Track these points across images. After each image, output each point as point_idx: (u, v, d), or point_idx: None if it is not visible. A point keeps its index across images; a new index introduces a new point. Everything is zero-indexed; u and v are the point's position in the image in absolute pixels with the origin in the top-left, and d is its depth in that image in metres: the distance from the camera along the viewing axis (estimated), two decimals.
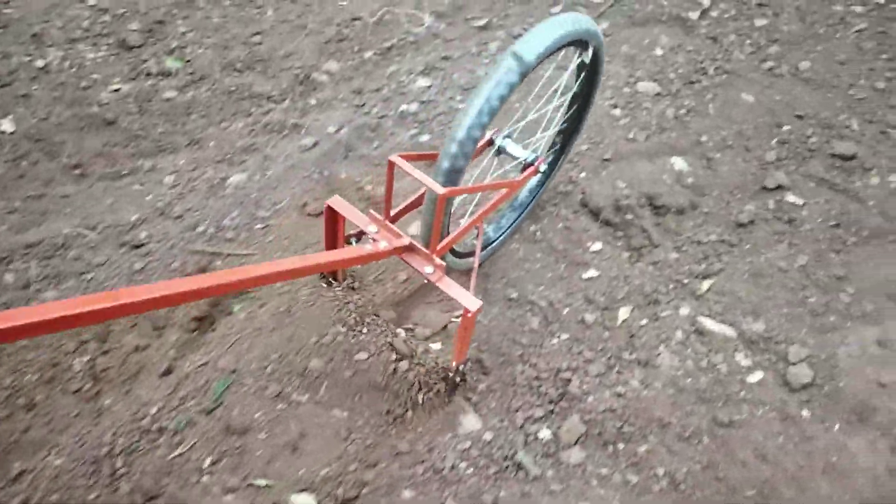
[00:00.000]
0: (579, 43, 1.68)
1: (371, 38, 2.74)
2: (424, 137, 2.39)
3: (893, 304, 2.09)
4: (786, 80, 2.82)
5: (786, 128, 2.61)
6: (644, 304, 2.03)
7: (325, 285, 1.84)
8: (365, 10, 2.83)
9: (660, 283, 2.09)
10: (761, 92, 2.74)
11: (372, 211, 1.56)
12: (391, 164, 1.47)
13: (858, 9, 3.23)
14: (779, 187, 2.40)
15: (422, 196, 1.65)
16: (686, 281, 2.10)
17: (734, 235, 2.26)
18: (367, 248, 1.49)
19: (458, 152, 1.47)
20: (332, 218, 1.58)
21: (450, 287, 1.56)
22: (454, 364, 1.69)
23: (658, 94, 2.70)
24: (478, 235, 1.78)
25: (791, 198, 2.37)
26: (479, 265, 1.93)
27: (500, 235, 2.09)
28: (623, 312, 2.01)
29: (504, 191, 1.75)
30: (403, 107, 2.47)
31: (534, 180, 2.13)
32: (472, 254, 1.80)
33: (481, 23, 2.86)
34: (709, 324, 1.99)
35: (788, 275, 2.16)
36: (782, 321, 2.02)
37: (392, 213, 1.60)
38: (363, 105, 2.47)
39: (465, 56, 2.71)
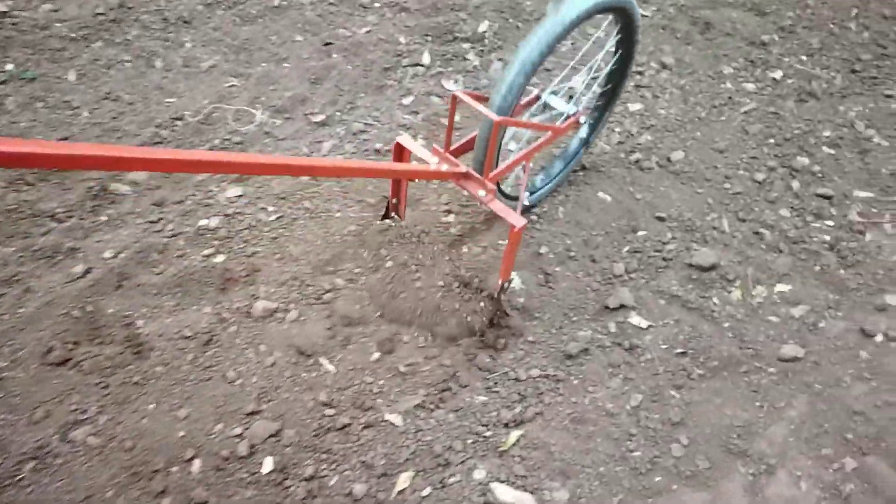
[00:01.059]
0: (615, 10, 1.95)
1: (192, 139, 2.52)
2: (219, 258, 2.14)
3: (732, 459, 1.79)
4: (653, 174, 2.57)
5: (641, 233, 2.35)
6: (431, 468, 1.73)
7: (389, 221, 2.12)
8: (191, 107, 2.63)
9: (457, 437, 1.80)
10: (621, 190, 2.49)
11: (434, 145, 1.87)
12: (454, 98, 1.78)
13: (750, 86, 3.01)
14: (622, 307, 2.12)
15: (475, 137, 1.90)
16: (489, 433, 1.81)
17: (561, 369, 1.98)
18: (431, 165, 1.83)
19: (507, 93, 1.77)
20: (399, 152, 1.89)
21: (499, 207, 1.84)
22: (500, 281, 1.90)
23: None
24: (524, 171, 1.99)
25: (635, 319, 2.10)
26: (529, 208, 2.33)
27: (548, 184, 2.38)
28: (403, 480, 1.71)
29: (548, 134, 2.03)
30: (203, 221, 2.23)
31: (578, 136, 2.43)
32: (521, 198, 2.01)
33: (321, 118, 2.65)
34: (502, 492, 1.69)
35: (616, 419, 1.87)
36: (595, 485, 1.72)
37: (452, 147, 1.90)
38: (159, 221, 2.24)
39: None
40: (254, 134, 2.57)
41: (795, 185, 2.56)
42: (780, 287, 2.22)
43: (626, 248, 2.30)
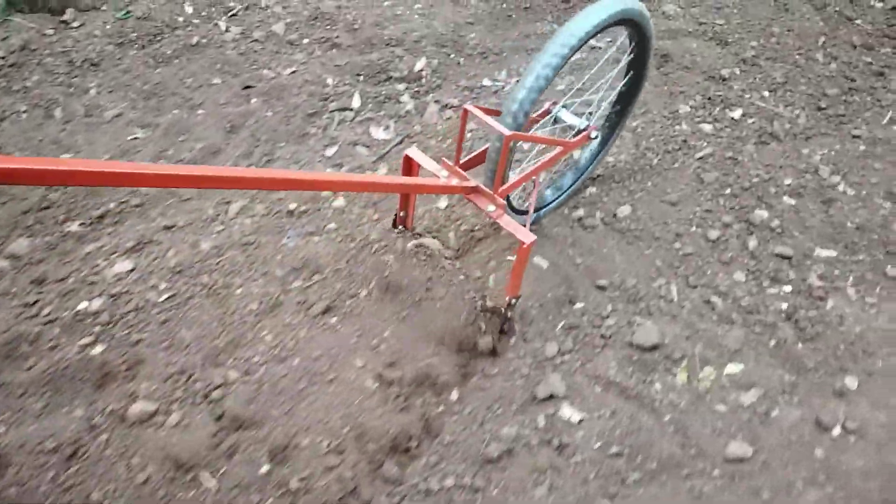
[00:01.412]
0: (627, 22, 1.94)
1: (85, 201, 2.29)
2: (98, 349, 1.90)
3: None
4: (596, 232, 2.36)
5: (579, 305, 2.13)
6: None
7: (395, 231, 2.12)
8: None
9: None
10: (561, 253, 2.27)
11: (444, 158, 1.87)
12: (465, 112, 1.81)
13: (707, 127, 2.79)
14: (552, 397, 1.90)
15: (485, 150, 1.91)
16: None
17: (480, 476, 1.75)
18: (441, 179, 1.83)
19: (519, 107, 1.77)
20: (409, 166, 1.90)
21: (508, 223, 1.84)
22: (507, 298, 1.91)
23: None
24: (534, 187, 2.00)
25: (566, 412, 1.88)
26: (539, 220, 2.32)
27: (559, 196, 2.39)
28: None
29: (559, 149, 2.02)
30: (84, 304, 2.00)
31: (591, 148, 2.43)
32: (530, 213, 2.00)
33: None
34: None
35: None
36: None
37: (462, 160, 1.90)
38: (35, 303, 2.00)
39: (196, 223, 2.25)
40: (155, 195, 2.33)
41: (752, 243, 2.35)
42: (730, 368, 2.00)
43: (562, 324, 2.08)
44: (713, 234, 2.37)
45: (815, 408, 1.90)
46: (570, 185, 2.42)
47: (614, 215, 2.42)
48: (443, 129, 2.65)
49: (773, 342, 2.07)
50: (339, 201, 2.33)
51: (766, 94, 2.95)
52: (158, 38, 2.90)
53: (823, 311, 2.15)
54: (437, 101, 2.76)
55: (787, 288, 2.22)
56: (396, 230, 2.13)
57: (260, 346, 1.93)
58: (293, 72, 2.82)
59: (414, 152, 1.89)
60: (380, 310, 1.99)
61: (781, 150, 2.70)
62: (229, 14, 3.17)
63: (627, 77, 2.25)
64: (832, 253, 2.33)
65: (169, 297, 2.04)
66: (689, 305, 2.16)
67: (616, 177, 2.56)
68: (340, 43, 2.98)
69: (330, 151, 2.55)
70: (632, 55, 2.15)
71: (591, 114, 2.15)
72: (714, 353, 2.03)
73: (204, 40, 2.93)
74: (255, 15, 3.21)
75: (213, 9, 3.21)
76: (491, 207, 1.84)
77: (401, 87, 2.81)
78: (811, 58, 3.14)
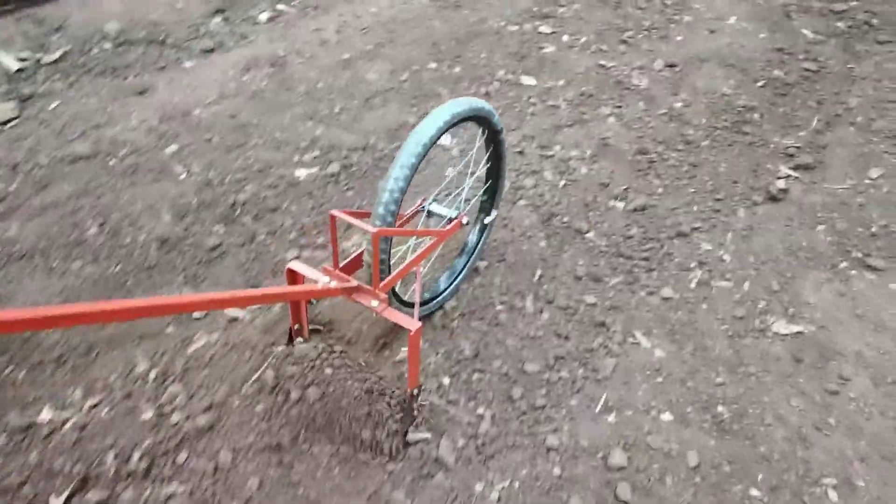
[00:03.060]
0: (476, 119, 2.15)
1: None
2: None
3: None
4: None
5: None
6: None
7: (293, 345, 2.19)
8: None
9: None
10: None
11: (323, 266, 1.98)
12: (332, 217, 1.89)
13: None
14: None
15: (362, 253, 2.05)
16: None
17: None
18: (320, 284, 1.89)
19: (384, 209, 1.90)
20: (293, 277, 1.98)
21: (392, 314, 1.92)
22: (409, 391, 1.97)
23: None
24: (416, 277, 2.10)
25: None
26: (433, 312, 2.43)
27: (453, 281, 2.49)
28: None
29: (434, 239, 2.20)
30: None
31: (476, 231, 2.60)
32: (417, 303, 2.07)
33: None
34: None
35: None
36: None
37: (341, 265, 2.02)
38: None
39: None
40: None
41: None
42: None
43: None
44: None
45: None
46: (463, 267, 2.54)
47: None
48: None
49: None
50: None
51: None
52: None
53: None
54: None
55: None
56: (294, 343, 2.19)
57: None
58: None
59: (296, 265, 1.97)
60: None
61: None
62: None
63: (487, 167, 2.44)
64: None
65: None
66: None
67: None
68: None
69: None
70: (486, 144, 2.37)
71: (462, 202, 2.34)
72: None
73: None
74: None
75: None
76: (375, 303, 1.92)
77: None
78: None
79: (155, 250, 2.58)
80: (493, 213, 2.46)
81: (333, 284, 1.89)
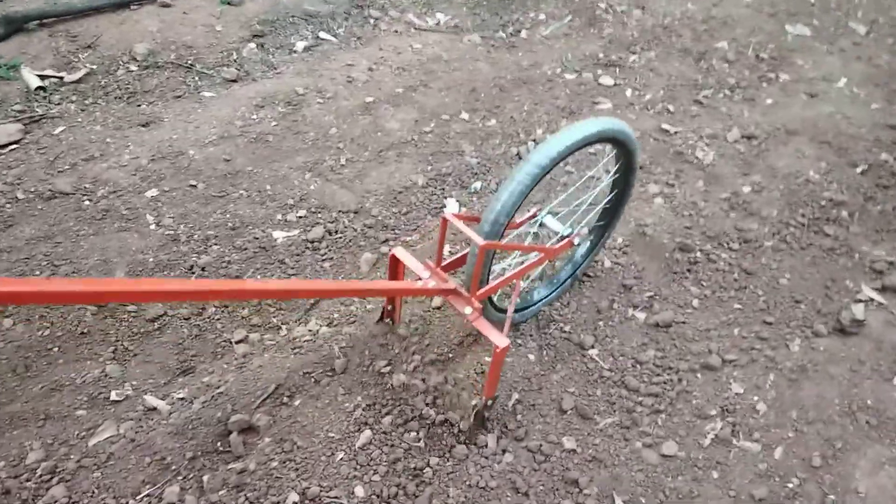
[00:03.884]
0: (611, 140, 2.04)
1: None
2: None
3: None
4: None
5: None
6: None
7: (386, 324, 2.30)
8: None
9: None
10: None
11: (427, 260, 1.99)
12: (444, 221, 1.89)
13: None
14: None
15: (466, 254, 2.01)
16: None
17: None
18: (419, 282, 1.93)
19: (495, 219, 1.85)
20: (395, 264, 2.02)
21: (483, 326, 1.92)
22: (484, 399, 1.98)
23: None
24: (514, 290, 2.04)
25: None
26: (523, 321, 2.40)
27: (548, 295, 2.46)
28: None
29: (540, 255, 2.14)
30: None
31: (578, 254, 2.54)
32: (510, 317, 2.06)
33: None
34: None
35: None
36: None
37: (443, 263, 2.00)
38: None
39: None
40: None
41: None
42: None
43: None
44: None
45: None
46: (560, 285, 2.49)
47: None
48: None
49: None
50: None
51: None
52: None
53: None
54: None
55: None
56: (383, 322, 2.29)
57: None
58: None
59: (400, 252, 2.00)
60: None
61: None
62: None
63: (612, 193, 2.37)
64: None
65: None
66: None
67: None
68: None
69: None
70: (616, 173, 2.28)
71: (575, 222, 2.25)
72: None
73: None
74: None
75: None
76: (468, 310, 1.93)
77: None
78: None
79: (91, 315, 2.35)
80: (578, 242, 2.30)
81: (432, 284, 1.93)
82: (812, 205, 2.92)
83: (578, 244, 2.23)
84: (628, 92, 3.62)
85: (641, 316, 2.44)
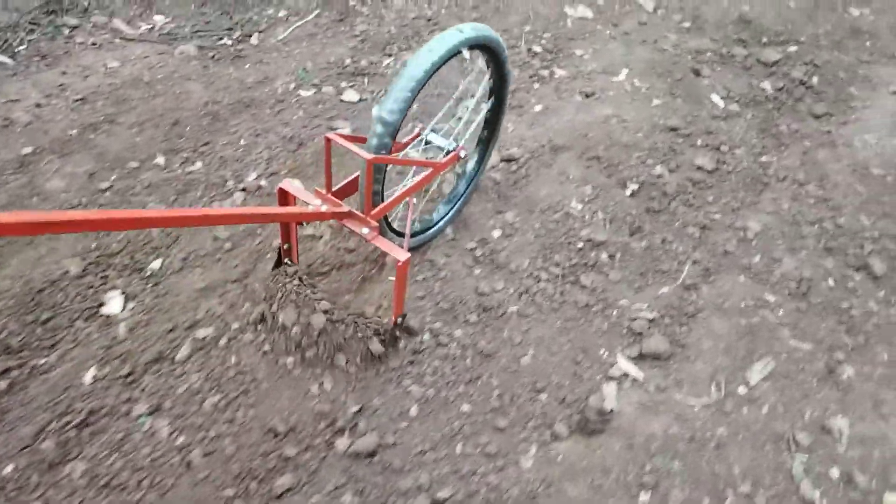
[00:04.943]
0: (480, 48, 2.12)
1: None
2: None
3: None
4: None
5: None
6: None
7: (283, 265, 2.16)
8: None
9: None
10: None
11: (316, 188, 1.97)
12: (328, 140, 1.89)
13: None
14: None
15: (357, 178, 2.06)
16: None
17: None
18: (311, 207, 1.92)
19: (380, 133, 1.88)
20: (284, 196, 1.96)
21: (382, 243, 1.95)
22: (393, 318, 2.05)
23: None
24: (409, 207, 2.14)
25: None
26: (424, 244, 2.44)
27: (444, 216, 2.49)
28: None
29: (430, 170, 2.17)
30: None
31: (469, 168, 2.59)
32: (408, 234, 2.12)
33: None
34: None
35: None
36: None
37: (333, 189, 1.99)
38: None
39: None
40: None
41: None
42: None
43: None
44: None
45: None
46: (458, 200, 2.53)
47: None
48: None
49: None
50: None
51: None
52: None
53: None
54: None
55: None
56: (283, 265, 2.16)
57: None
58: None
59: (288, 184, 1.95)
60: None
61: None
62: None
63: (490, 101, 2.42)
64: None
65: None
66: None
67: None
68: None
69: None
70: (490, 77, 2.33)
71: (458, 134, 2.33)
72: None
73: None
74: None
75: None
76: (365, 230, 1.93)
77: None
78: None
79: None
80: (464, 155, 2.36)
81: (325, 208, 1.91)
82: (569, 248, 2.49)
83: (466, 156, 2.33)
84: (375, 111, 3.05)
85: (342, 445, 1.91)
